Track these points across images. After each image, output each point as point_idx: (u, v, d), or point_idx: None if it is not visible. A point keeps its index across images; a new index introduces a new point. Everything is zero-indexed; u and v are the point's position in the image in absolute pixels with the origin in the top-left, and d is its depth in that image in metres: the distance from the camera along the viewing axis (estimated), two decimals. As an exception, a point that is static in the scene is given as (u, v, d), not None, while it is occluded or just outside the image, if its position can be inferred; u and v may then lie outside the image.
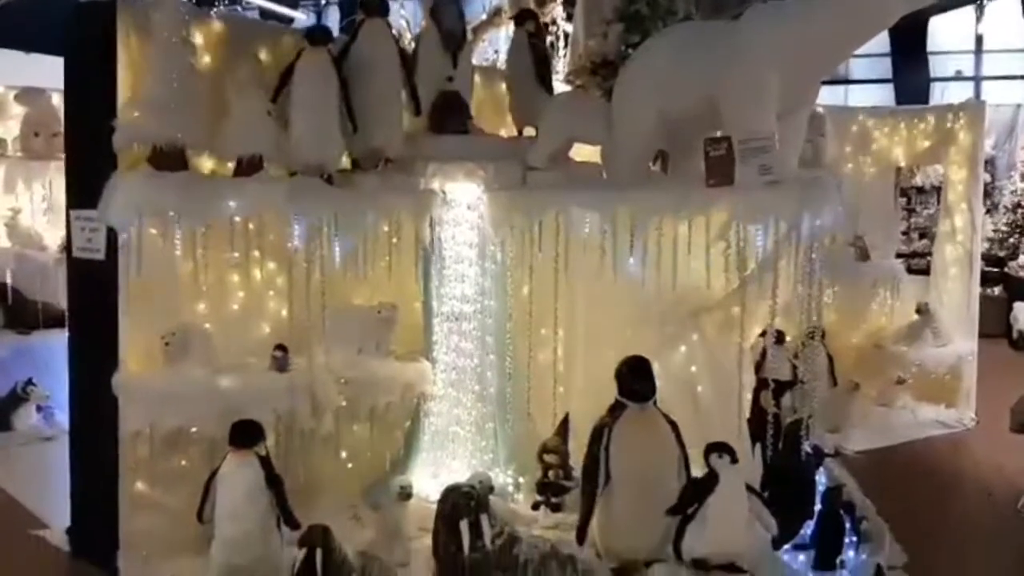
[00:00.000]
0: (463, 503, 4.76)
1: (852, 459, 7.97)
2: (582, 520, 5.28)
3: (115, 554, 5.33)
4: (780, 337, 8.63)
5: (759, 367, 6.51)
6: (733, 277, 5.38)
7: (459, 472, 6.16)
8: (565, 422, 6.22)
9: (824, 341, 9.06)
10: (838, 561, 5.40)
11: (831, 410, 8.80)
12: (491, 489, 5.60)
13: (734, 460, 5.01)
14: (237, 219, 5.39)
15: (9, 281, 8.65)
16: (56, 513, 6.03)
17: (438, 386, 6.36)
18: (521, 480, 6.37)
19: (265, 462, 5.04)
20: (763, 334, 6.15)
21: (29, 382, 8.12)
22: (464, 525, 4.70)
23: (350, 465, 6.16)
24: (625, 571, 5.20)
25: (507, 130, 7.29)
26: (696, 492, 5.02)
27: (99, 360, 5.35)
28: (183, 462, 5.38)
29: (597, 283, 5.86)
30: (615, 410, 5.35)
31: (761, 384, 6.24)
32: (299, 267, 5.69)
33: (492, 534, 4.79)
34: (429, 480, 6.26)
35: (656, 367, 5.50)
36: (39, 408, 8.07)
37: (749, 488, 5.08)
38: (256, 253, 5.86)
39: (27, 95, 8.87)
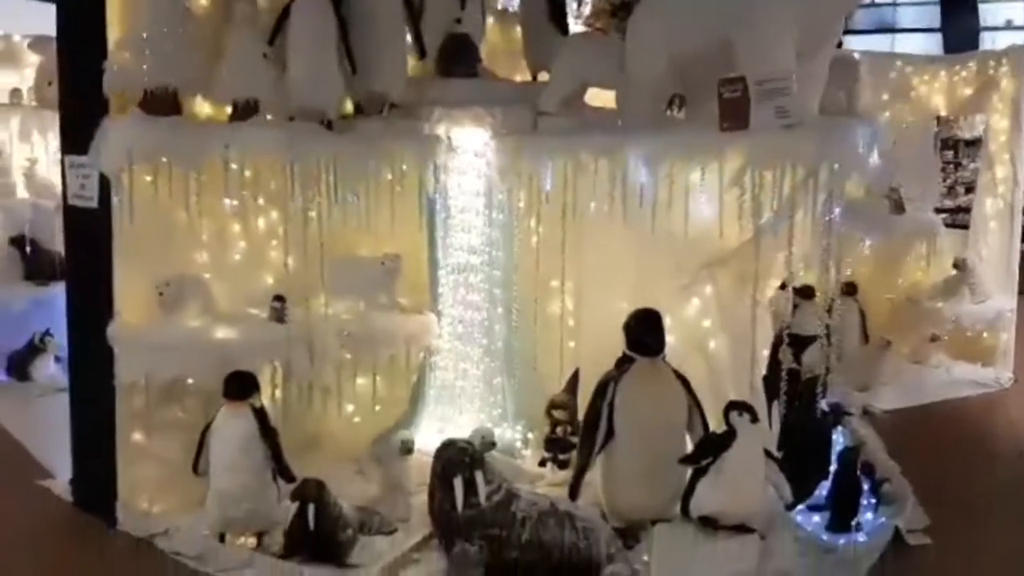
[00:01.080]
0: (457, 459, 4.60)
1: (880, 418, 7.70)
2: (576, 475, 5.12)
3: (114, 505, 5.27)
4: (809, 291, 8.48)
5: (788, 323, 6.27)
6: (748, 226, 5.11)
7: (465, 427, 6.00)
8: (575, 377, 6.03)
9: (856, 296, 8.89)
10: (853, 523, 5.18)
11: (861, 367, 8.57)
12: (492, 445, 5.45)
13: (754, 419, 4.81)
14: (234, 166, 5.18)
15: (27, 232, 8.58)
16: (63, 464, 5.96)
17: (444, 340, 6.19)
18: (530, 436, 6.21)
19: (260, 414, 4.93)
20: (783, 287, 5.90)
21: (47, 333, 8.10)
22: (458, 482, 4.55)
23: (356, 419, 6.03)
24: (630, 531, 5.04)
25: (522, 75, 7.04)
26: (712, 446, 4.85)
27: (95, 310, 5.24)
28: (180, 413, 5.28)
29: (607, 233, 5.63)
30: (622, 364, 5.15)
31: (781, 339, 5.98)
32: (298, 216, 5.51)
33: (488, 491, 4.63)
34: (435, 435, 6.10)
35: (667, 321, 5.29)
36: (56, 359, 8.04)
37: (766, 452, 4.87)
38: (260, 201, 5.68)
39: (41, 43, 8.74)
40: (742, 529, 4.82)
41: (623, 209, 5.33)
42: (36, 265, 8.56)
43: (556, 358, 6.09)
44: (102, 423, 5.29)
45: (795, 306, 6.21)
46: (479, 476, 4.58)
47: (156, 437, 5.30)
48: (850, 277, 8.99)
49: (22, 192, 8.91)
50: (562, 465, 5.83)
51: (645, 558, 4.82)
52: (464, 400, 6.25)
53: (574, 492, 5.07)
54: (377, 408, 6.07)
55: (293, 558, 4.78)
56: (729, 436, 4.77)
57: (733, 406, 4.84)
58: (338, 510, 4.81)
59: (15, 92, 8.95)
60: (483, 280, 6.12)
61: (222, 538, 4.98)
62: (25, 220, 8.65)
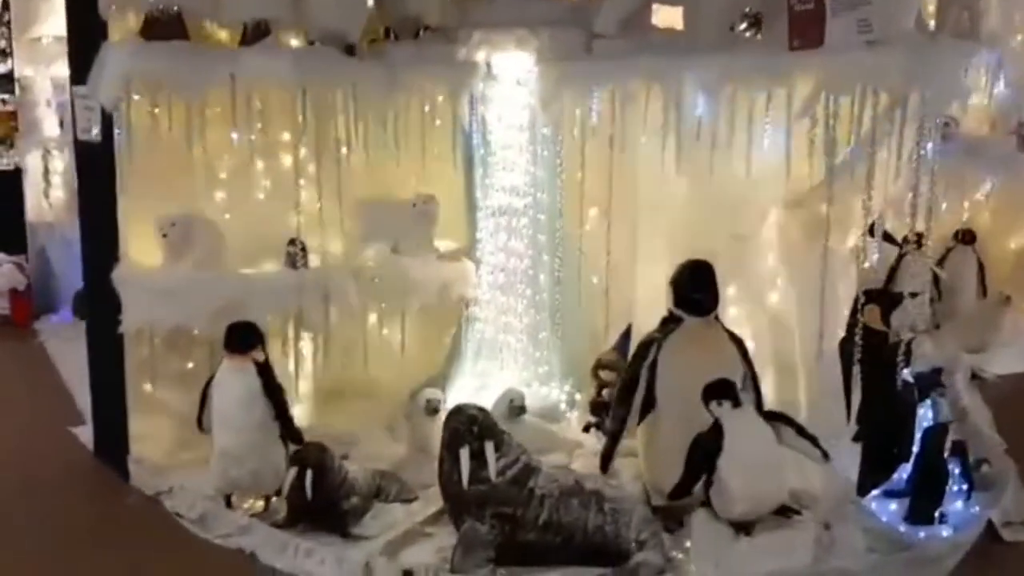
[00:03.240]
0: (464, 429, 4.08)
1: (993, 384, 6.78)
2: (607, 445, 4.56)
3: (126, 457, 4.99)
4: (918, 240, 7.55)
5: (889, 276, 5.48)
6: (821, 164, 4.35)
7: (507, 385, 5.49)
8: (626, 335, 5.41)
9: (974, 245, 7.90)
10: (937, 514, 4.42)
11: (977, 326, 7.67)
12: (522, 409, 4.92)
13: (736, 403, 4.13)
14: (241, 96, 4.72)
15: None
16: (97, 411, 5.77)
17: (484, 290, 5.64)
18: (578, 397, 5.66)
19: (263, 369, 4.52)
20: (871, 231, 5.09)
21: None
22: (464, 454, 4.04)
23: (388, 373, 5.57)
24: (672, 512, 4.44)
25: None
26: (702, 458, 4.17)
27: (103, 253, 4.91)
28: (189, 364, 4.94)
29: (660, 174, 4.93)
30: (668, 323, 4.52)
31: (866, 298, 5.13)
32: (320, 153, 5.03)
33: (502, 465, 4.10)
34: (475, 393, 5.60)
35: (725, 274, 4.60)
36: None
37: (774, 416, 4.21)
38: (286, 136, 5.20)
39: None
40: (786, 510, 4.15)
41: (677, 145, 4.63)
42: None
43: (605, 312, 5.47)
44: (113, 372, 5.00)
45: (899, 257, 5.45)
46: (489, 448, 4.05)
47: (167, 389, 5.01)
48: (968, 224, 8.05)
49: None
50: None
51: (688, 544, 4.23)
52: (507, 356, 5.70)
53: (605, 463, 4.53)
54: (412, 363, 5.58)
55: (294, 527, 4.38)
56: (716, 435, 4.11)
57: (710, 394, 4.16)
58: (342, 476, 4.39)
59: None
60: (527, 225, 5.52)
61: (228, 500, 4.64)
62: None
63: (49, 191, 8.61)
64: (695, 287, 4.35)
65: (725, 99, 4.47)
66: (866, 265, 5.33)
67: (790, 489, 4.44)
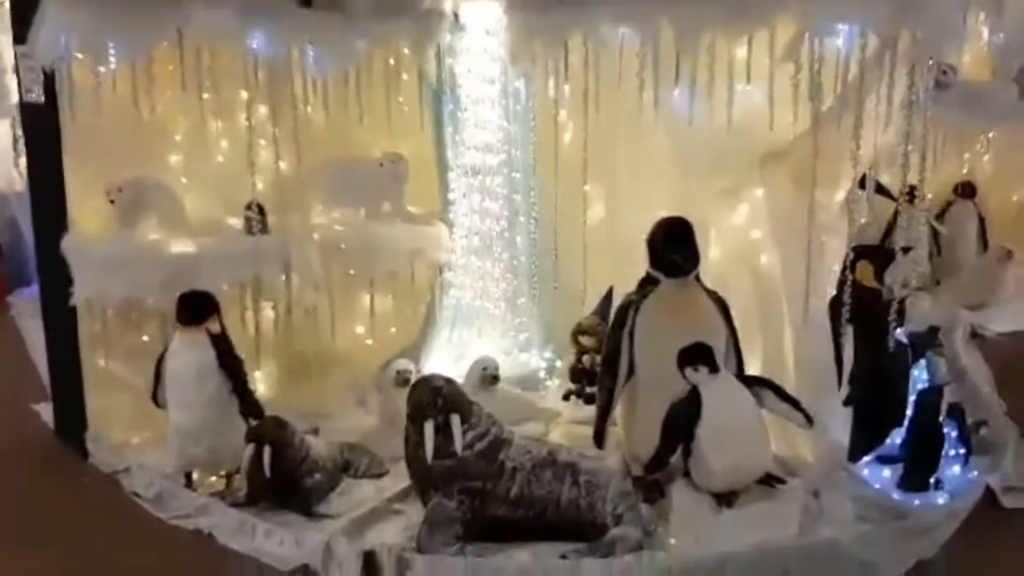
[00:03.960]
0: (428, 402, 3.84)
1: (993, 342, 6.54)
2: (599, 420, 4.32)
3: (84, 435, 4.78)
4: (911, 193, 7.26)
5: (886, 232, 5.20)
6: (806, 113, 4.06)
7: (487, 353, 5.25)
8: (607, 298, 5.16)
9: (975, 198, 7.61)
10: (932, 480, 4.20)
11: (977, 281, 7.40)
12: (495, 379, 4.68)
13: (714, 368, 3.88)
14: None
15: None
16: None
17: (458, 254, 5.37)
18: (558, 364, 5.43)
19: (218, 341, 4.29)
20: (862, 184, 4.81)
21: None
22: (428, 427, 3.81)
23: (358, 343, 5.34)
24: (653, 482, 4.22)
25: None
26: (679, 426, 3.93)
27: (52, 221, 4.66)
28: (144, 337, 4.70)
29: (638, 126, 4.66)
30: (645, 285, 4.26)
31: (859, 254, 4.85)
32: (279, 111, 4.75)
33: (471, 437, 3.88)
34: (453, 362, 5.37)
35: (711, 231, 4.35)
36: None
37: (754, 381, 3.97)
38: (244, 95, 4.91)
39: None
40: (771, 479, 3.92)
41: (654, 95, 4.35)
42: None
43: (590, 276, 5.21)
44: (68, 347, 4.77)
45: (895, 213, 5.17)
46: (455, 421, 3.82)
47: (123, 363, 4.77)
48: (968, 176, 7.75)
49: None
50: (589, 399, 5.00)
51: (669, 516, 4.02)
52: (484, 323, 5.45)
53: (599, 438, 4.31)
54: (384, 332, 5.34)
55: (255, 506, 4.16)
56: (693, 402, 3.86)
57: (685, 359, 3.90)
58: (304, 452, 4.17)
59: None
60: (502, 184, 5.25)
61: (189, 478, 4.42)
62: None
63: (19, 160, 8.33)
64: (671, 246, 4.09)
65: (703, 44, 4.16)
66: (862, 220, 5.11)
67: (777, 456, 4.22)
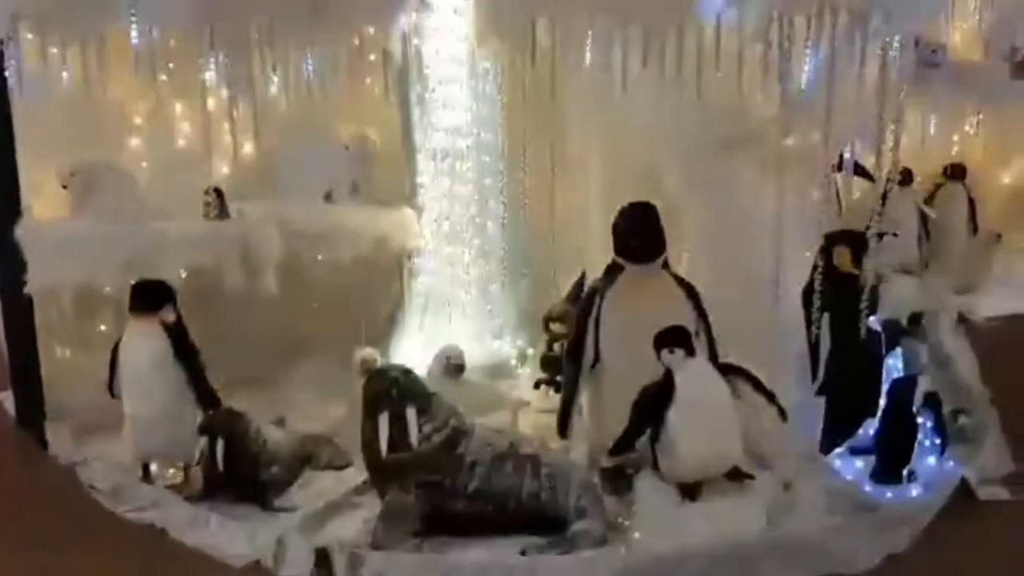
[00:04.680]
0: (382, 393, 3.73)
1: (981, 327, 6.43)
2: (562, 409, 4.21)
3: (43, 425, 4.68)
4: (903, 176, 7.12)
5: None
6: (775, 95, 3.93)
7: (456, 341, 5.14)
8: (580, 284, 5.04)
9: (964, 180, 7.49)
10: (905, 472, 4.09)
11: (966, 265, 7.30)
12: (459, 369, 4.57)
13: (690, 352, 3.75)
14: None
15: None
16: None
17: (427, 239, 5.25)
18: (530, 352, 5.32)
19: (173, 330, 4.18)
20: (839, 167, 4.68)
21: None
22: (383, 420, 3.70)
23: (325, 331, 5.22)
24: (619, 474, 4.12)
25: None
26: (649, 407, 3.80)
27: (6, 206, 4.54)
28: (102, 326, 4.58)
29: (609, 108, 4.52)
30: (611, 272, 4.14)
31: (834, 239, 4.71)
32: (241, 93, 4.62)
33: (430, 430, 3.77)
34: (423, 350, 5.25)
35: (680, 217, 4.22)
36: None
37: (730, 369, 3.85)
38: (209, 76, 4.78)
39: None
40: (735, 475, 3.80)
41: (622, 76, 4.21)
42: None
43: (562, 261, 5.11)
44: (24, 334, 4.66)
45: (883, 196, 5.02)
46: (410, 413, 3.71)
47: (82, 351, 4.66)
48: (958, 158, 7.62)
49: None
50: (560, 388, 4.88)
51: (635, 509, 3.91)
52: (455, 310, 5.33)
53: (562, 428, 4.19)
54: (352, 319, 5.22)
55: (211, 500, 4.07)
56: (667, 385, 3.73)
57: (661, 341, 3.77)
58: (260, 444, 4.07)
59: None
60: (472, 168, 5.12)
61: (147, 470, 4.32)
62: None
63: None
64: (634, 232, 3.96)
65: (672, 25, 4.02)
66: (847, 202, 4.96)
67: (747, 447, 4.11)
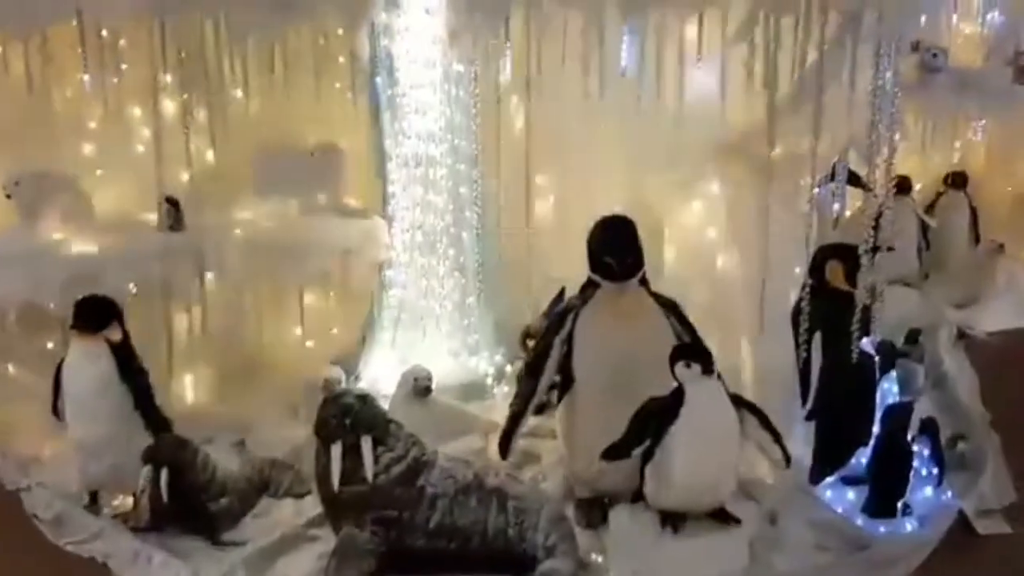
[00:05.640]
0: (335, 422, 3.48)
1: (981, 343, 6.16)
2: (506, 430, 3.94)
3: (-9, 448, 4.43)
4: (903, 185, 6.86)
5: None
6: (759, 100, 3.68)
7: (430, 357, 4.89)
8: (559, 298, 4.78)
9: (966, 189, 7.22)
10: (900, 505, 3.83)
11: (968, 277, 7.03)
12: (427, 390, 4.31)
13: (708, 370, 3.44)
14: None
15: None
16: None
17: (399, 251, 4.98)
18: (508, 369, 5.06)
19: (119, 349, 3.92)
20: (832, 176, 4.42)
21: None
22: (336, 451, 3.44)
23: (290, 349, 4.98)
24: (596, 505, 3.87)
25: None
26: (653, 419, 3.48)
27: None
28: (49, 344, 4.33)
29: (586, 114, 4.28)
30: (586, 289, 3.88)
31: (827, 253, 4.42)
32: (198, 96, 4.37)
33: (388, 460, 3.51)
34: (398, 366, 4.99)
35: (665, 229, 3.96)
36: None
37: (741, 403, 3.52)
38: (167, 78, 4.53)
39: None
40: (720, 516, 3.52)
41: (601, 80, 3.96)
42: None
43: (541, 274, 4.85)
44: (-30, 352, 4.42)
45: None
46: (365, 443, 3.45)
47: (28, 371, 4.39)
48: (959, 166, 7.35)
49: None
50: (537, 409, 4.59)
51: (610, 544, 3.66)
52: (430, 325, 5.06)
53: (503, 449, 3.93)
54: (319, 336, 4.98)
55: (158, 531, 3.81)
56: (675, 400, 3.43)
57: (679, 354, 3.47)
58: (209, 473, 3.81)
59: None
60: (446, 176, 4.86)
61: (94, 498, 4.07)
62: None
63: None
64: (609, 248, 3.69)
65: (651, 23, 3.77)
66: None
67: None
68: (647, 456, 3.46)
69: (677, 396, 3.41)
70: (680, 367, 3.40)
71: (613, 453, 3.48)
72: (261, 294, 4.77)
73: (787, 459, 3.61)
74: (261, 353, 4.97)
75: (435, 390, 4.56)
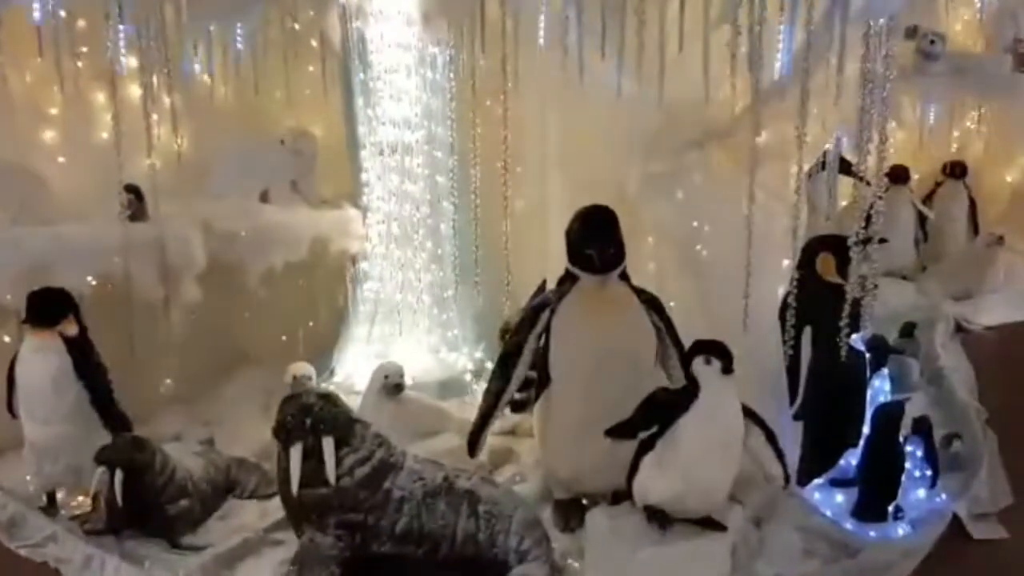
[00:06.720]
0: (294, 423, 3.30)
1: (980, 336, 6.01)
2: (474, 428, 3.75)
3: (-54, 450, 4.26)
4: (900, 175, 6.69)
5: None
6: (744, 85, 3.50)
7: (408, 353, 4.73)
8: (541, 291, 4.59)
9: (965, 179, 7.06)
10: (891, 508, 3.66)
11: (966, 269, 6.88)
12: (398, 388, 4.14)
13: (728, 370, 3.27)
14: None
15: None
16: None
17: (374, 242, 4.81)
18: (489, 365, 4.87)
19: (75, 344, 3.75)
20: (822, 164, 4.25)
21: None
22: (295, 452, 3.27)
23: (260, 344, 4.81)
24: (574, 507, 3.71)
25: None
26: (662, 409, 3.31)
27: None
28: (6, 338, 4.16)
29: (568, 101, 4.09)
30: (563, 283, 3.71)
31: (817, 245, 4.23)
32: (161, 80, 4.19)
33: (352, 462, 3.34)
34: (375, 362, 4.81)
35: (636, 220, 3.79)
36: None
37: (751, 415, 3.35)
38: (132, 62, 4.34)
39: None
40: (707, 523, 3.35)
41: (578, 64, 3.78)
42: None
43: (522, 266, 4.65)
44: (-75, 347, 4.24)
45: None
46: (327, 444, 3.28)
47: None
48: (958, 155, 7.19)
49: None
50: (516, 406, 4.44)
51: (587, 548, 3.49)
52: (406, 319, 4.89)
53: (472, 448, 3.75)
54: (289, 330, 4.81)
55: (115, 535, 3.65)
56: (688, 394, 3.26)
57: (699, 349, 3.30)
58: (167, 475, 3.65)
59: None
60: (422, 164, 4.68)
61: (52, 499, 3.91)
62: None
63: None
64: (588, 240, 3.51)
65: (632, 5, 3.58)
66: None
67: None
68: (646, 447, 3.29)
69: (689, 390, 3.26)
70: (699, 362, 3.23)
71: (618, 431, 3.31)
72: (232, 287, 4.57)
73: (787, 479, 3.45)
74: (232, 348, 4.79)
75: (413, 387, 4.41)
